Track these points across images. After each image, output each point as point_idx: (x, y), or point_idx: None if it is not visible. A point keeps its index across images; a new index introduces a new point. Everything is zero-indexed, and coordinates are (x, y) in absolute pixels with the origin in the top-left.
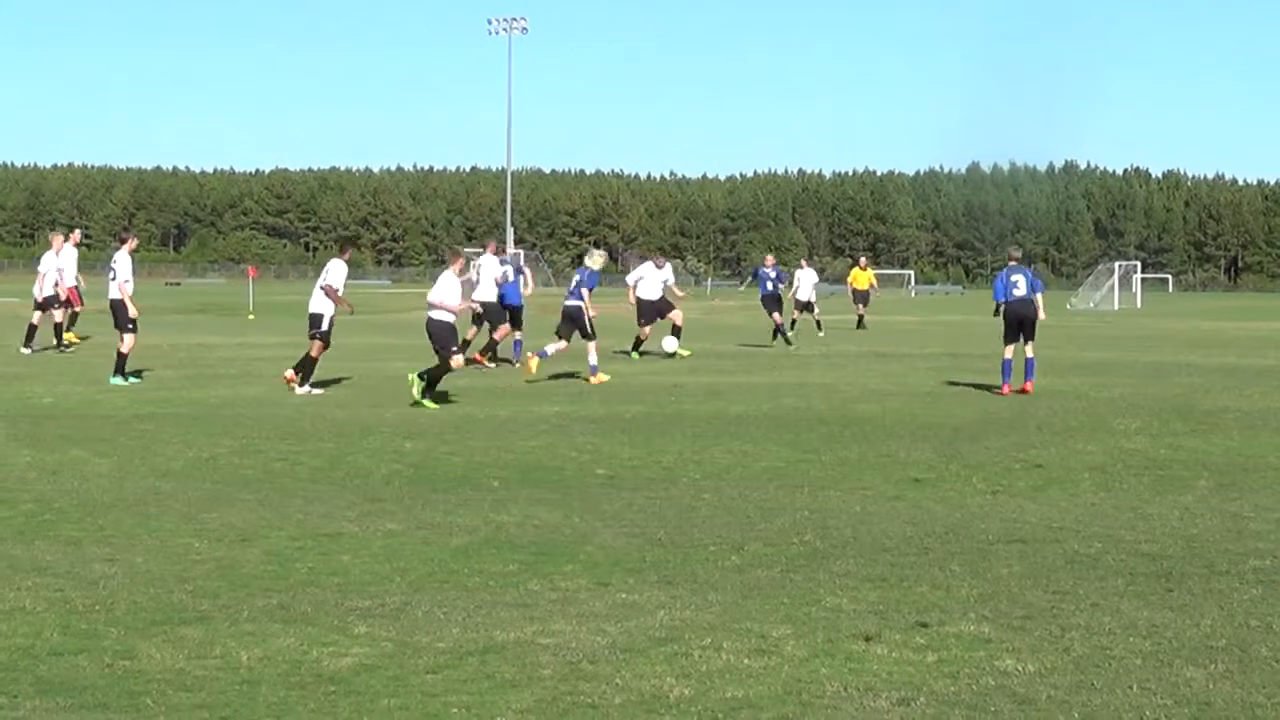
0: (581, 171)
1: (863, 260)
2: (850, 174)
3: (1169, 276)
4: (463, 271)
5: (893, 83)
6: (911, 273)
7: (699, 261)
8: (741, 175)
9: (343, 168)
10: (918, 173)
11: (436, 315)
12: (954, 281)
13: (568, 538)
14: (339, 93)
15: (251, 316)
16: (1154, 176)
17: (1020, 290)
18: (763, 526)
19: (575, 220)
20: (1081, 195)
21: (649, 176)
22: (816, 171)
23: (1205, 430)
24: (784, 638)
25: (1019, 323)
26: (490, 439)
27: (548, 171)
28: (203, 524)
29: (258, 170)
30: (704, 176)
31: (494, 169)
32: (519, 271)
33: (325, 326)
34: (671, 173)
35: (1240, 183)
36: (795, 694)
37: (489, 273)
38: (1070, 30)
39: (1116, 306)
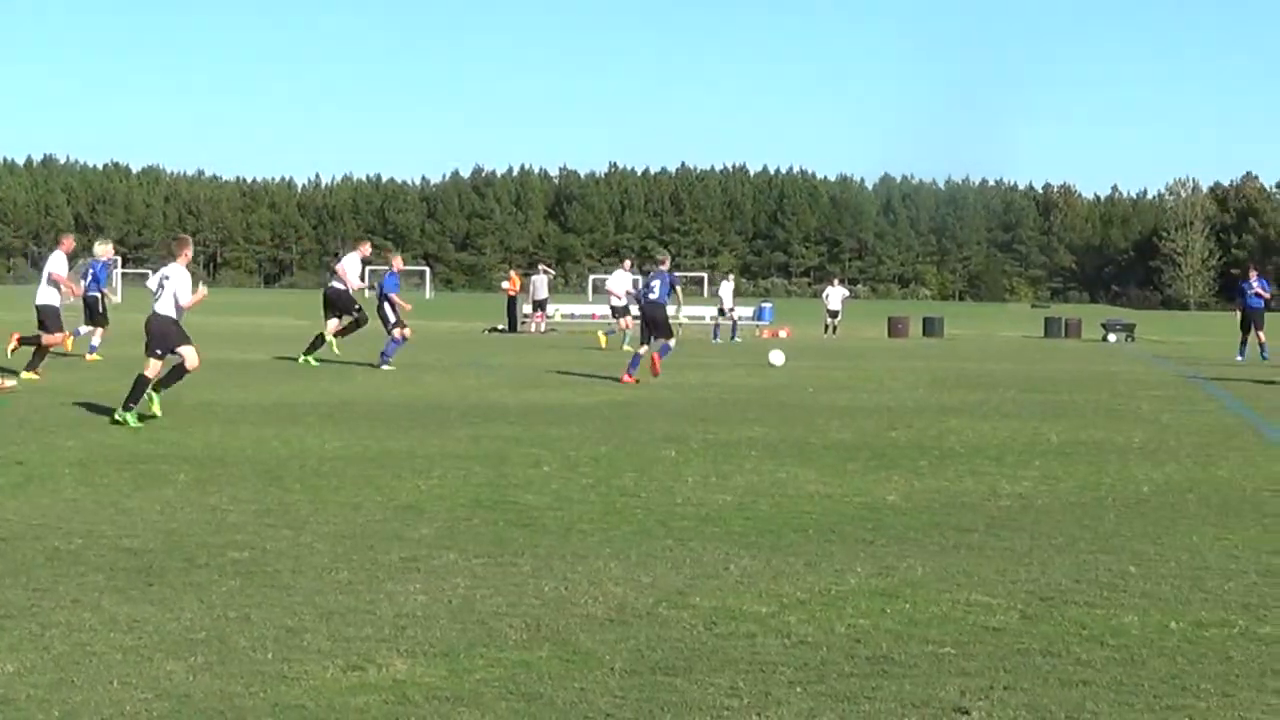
0: None
1: None
2: None
3: (148, 271)
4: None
5: None
6: None
7: None
8: None
9: None
10: None
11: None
12: None
13: None
14: None
15: None
16: (134, 171)
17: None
18: None
19: None
20: (62, 189)
21: None
22: None
23: (187, 424)
24: None
25: None
26: None
27: None
28: None
29: None
30: None
31: None
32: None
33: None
34: None
35: (221, 179)
36: None
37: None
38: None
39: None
